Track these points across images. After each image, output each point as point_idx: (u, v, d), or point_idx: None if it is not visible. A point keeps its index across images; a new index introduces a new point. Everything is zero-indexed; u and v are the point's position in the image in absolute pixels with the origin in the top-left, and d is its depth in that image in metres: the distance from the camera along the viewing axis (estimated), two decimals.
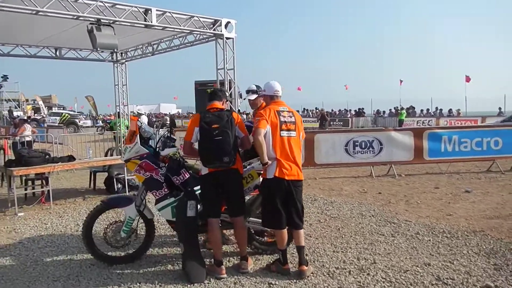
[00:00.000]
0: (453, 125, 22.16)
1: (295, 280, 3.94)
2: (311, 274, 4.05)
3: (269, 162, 3.94)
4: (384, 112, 32.74)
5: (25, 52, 9.93)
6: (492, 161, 10.08)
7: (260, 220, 4.33)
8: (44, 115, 36.03)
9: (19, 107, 35.97)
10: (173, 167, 4.25)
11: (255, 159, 4.43)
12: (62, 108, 43.85)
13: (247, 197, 4.46)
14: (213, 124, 3.89)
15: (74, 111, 48.26)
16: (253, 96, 4.83)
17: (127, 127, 11.94)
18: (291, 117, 4.11)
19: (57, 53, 10.42)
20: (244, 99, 4.99)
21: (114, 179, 8.39)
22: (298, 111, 4.68)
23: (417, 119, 28.03)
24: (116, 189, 8.34)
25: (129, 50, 11.04)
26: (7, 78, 32.79)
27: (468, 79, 32.96)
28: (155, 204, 4.33)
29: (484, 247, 4.72)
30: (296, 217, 4.05)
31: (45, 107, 41.04)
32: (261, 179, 4.26)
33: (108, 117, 37.70)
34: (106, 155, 11.76)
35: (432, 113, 29.02)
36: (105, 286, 3.97)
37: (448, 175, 9.53)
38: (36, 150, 9.93)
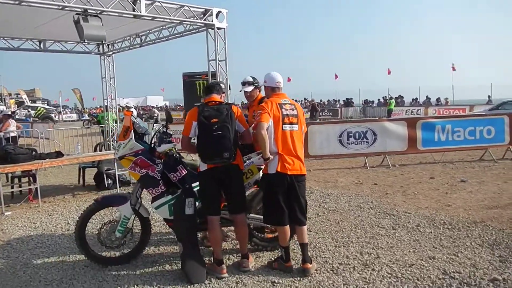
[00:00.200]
0: (442, 114, 22.30)
1: (298, 278, 3.82)
2: (315, 271, 3.93)
3: (271, 157, 3.78)
4: (373, 102, 32.81)
5: (7, 45, 9.53)
6: (484, 149, 10.10)
7: (261, 217, 4.19)
8: (13, 109, 31.22)
9: (2, 102, 35.09)
10: (169, 163, 4.06)
11: (254, 154, 4.27)
12: (46, 103, 42.91)
13: (246, 193, 4.30)
14: (212, 118, 3.72)
15: (59, 105, 47.36)
16: (250, 88, 4.66)
17: (115, 121, 11.67)
18: (293, 110, 3.95)
19: (41, 45, 10.04)
20: (240, 91, 4.81)
21: (104, 175, 8.16)
22: None
23: (405, 108, 28.15)
24: (106, 185, 8.12)
25: (116, 42, 10.70)
26: None
27: (453, 68, 33.53)
28: (152, 203, 4.14)
29: (487, 238, 4.66)
30: (299, 213, 3.91)
31: (29, 101, 40.13)
32: (261, 174, 4.11)
33: (94, 111, 36.88)
34: (95, 150, 11.50)
35: (422, 103, 29.16)
36: None
37: (442, 165, 9.53)
38: (22, 146, 9.65)
